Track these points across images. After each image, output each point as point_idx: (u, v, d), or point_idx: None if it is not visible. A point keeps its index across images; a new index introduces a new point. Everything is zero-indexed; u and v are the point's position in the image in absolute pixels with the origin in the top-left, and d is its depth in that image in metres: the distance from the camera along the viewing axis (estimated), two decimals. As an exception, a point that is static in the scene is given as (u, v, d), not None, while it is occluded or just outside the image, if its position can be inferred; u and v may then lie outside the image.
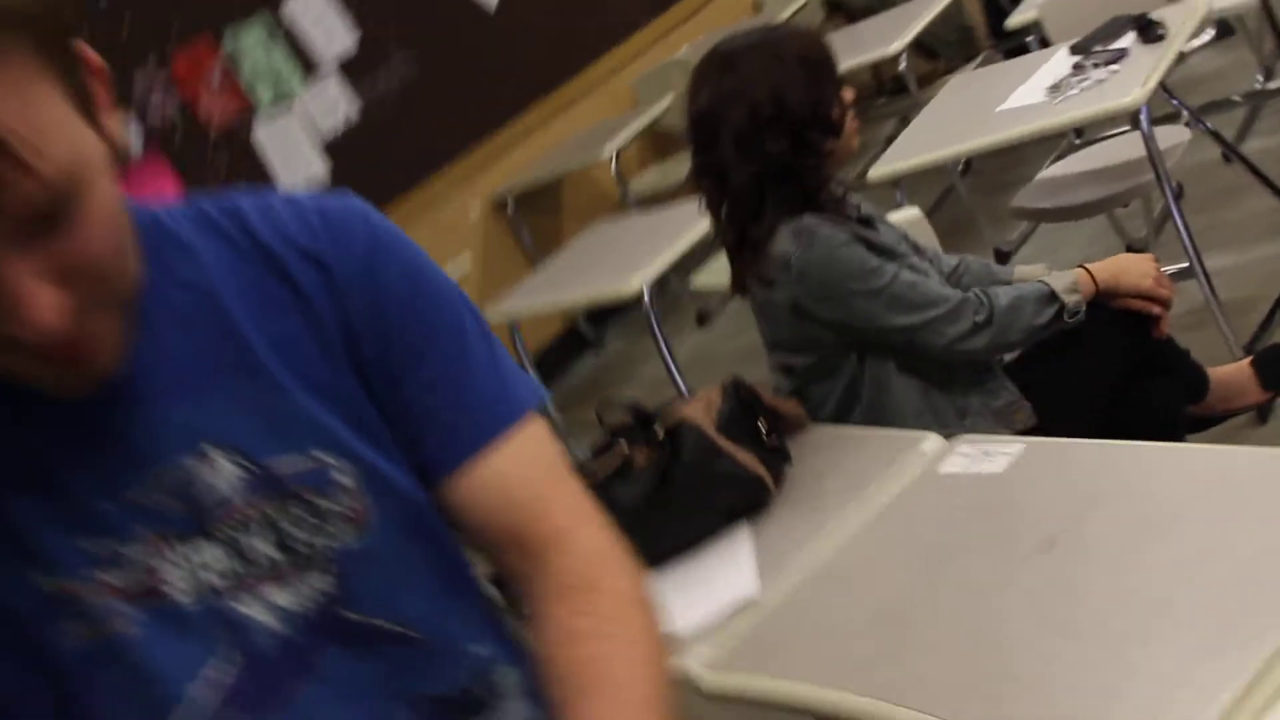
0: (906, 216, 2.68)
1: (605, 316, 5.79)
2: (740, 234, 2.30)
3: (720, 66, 2.24)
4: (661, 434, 2.04)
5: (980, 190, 4.91)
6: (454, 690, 1.07)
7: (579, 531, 1.07)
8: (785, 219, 2.22)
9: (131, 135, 4.69)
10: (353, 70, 5.31)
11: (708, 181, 2.31)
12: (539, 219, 5.79)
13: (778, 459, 2.08)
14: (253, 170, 4.99)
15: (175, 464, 0.94)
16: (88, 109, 0.83)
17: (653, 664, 1.02)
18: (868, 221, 2.33)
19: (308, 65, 5.20)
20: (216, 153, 4.93)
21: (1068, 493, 1.70)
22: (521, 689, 1.11)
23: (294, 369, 0.98)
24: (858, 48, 4.74)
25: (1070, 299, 2.25)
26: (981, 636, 1.50)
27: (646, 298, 3.52)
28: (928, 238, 2.63)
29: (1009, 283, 2.43)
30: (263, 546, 0.98)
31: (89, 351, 0.87)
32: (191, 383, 0.96)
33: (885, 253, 2.24)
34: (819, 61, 2.24)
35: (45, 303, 0.81)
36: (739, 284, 2.37)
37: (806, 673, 1.62)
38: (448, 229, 5.47)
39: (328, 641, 1.00)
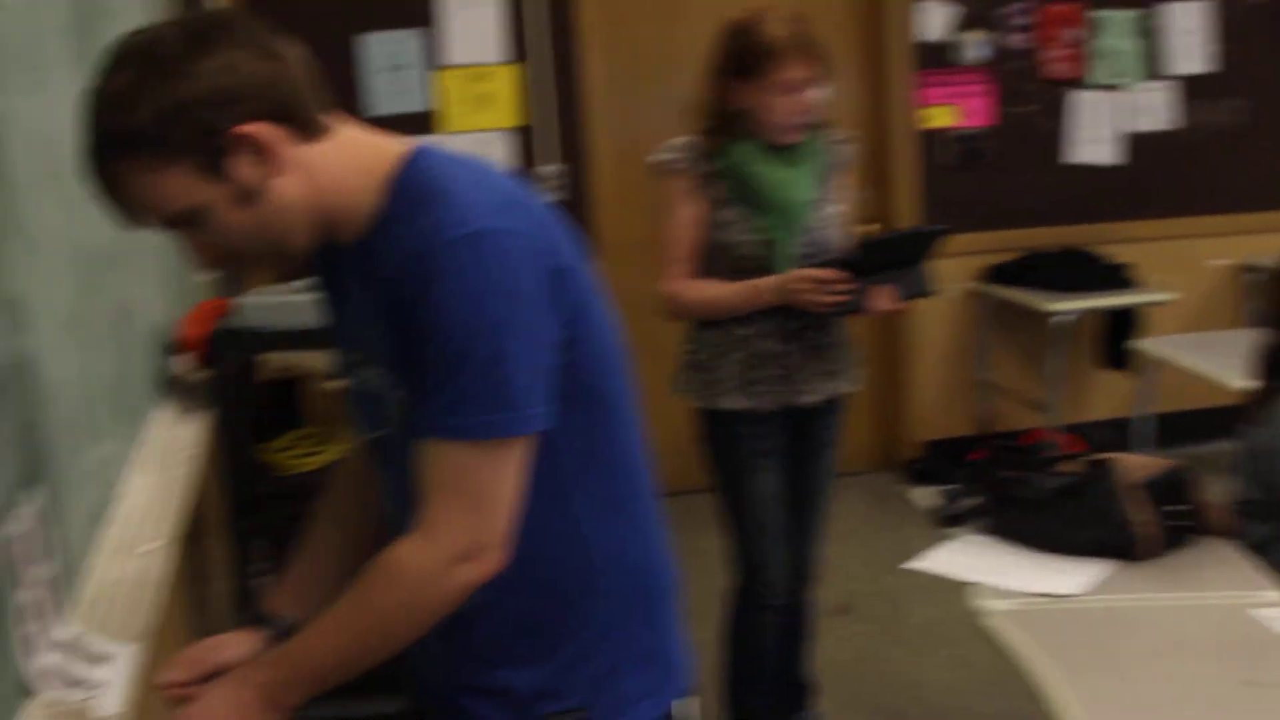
0: None
1: None
2: (1263, 378, 2.74)
3: None
4: (1095, 462, 2.62)
5: None
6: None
7: (411, 537, 1.53)
8: None
9: (983, 46, 5.55)
10: (1188, 90, 5.78)
11: (1261, 328, 2.77)
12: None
13: (1168, 536, 2.57)
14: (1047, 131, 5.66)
15: (364, 327, 1.58)
16: (212, 172, 1.42)
17: (341, 645, 1.57)
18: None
19: (1152, 67, 5.73)
20: (1031, 91, 5.67)
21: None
22: None
23: (388, 317, 1.51)
24: None
25: None
26: None
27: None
28: None
29: None
30: (388, 391, 1.58)
31: (257, 271, 1.61)
32: (362, 293, 1.57)
33: None
34: None
35: (199, 257, 1.51)
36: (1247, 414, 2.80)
37: (1057, 660, 2.20)
38: (1174, 264, 5.77)
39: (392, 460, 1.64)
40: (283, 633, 1.71)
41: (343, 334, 1.67)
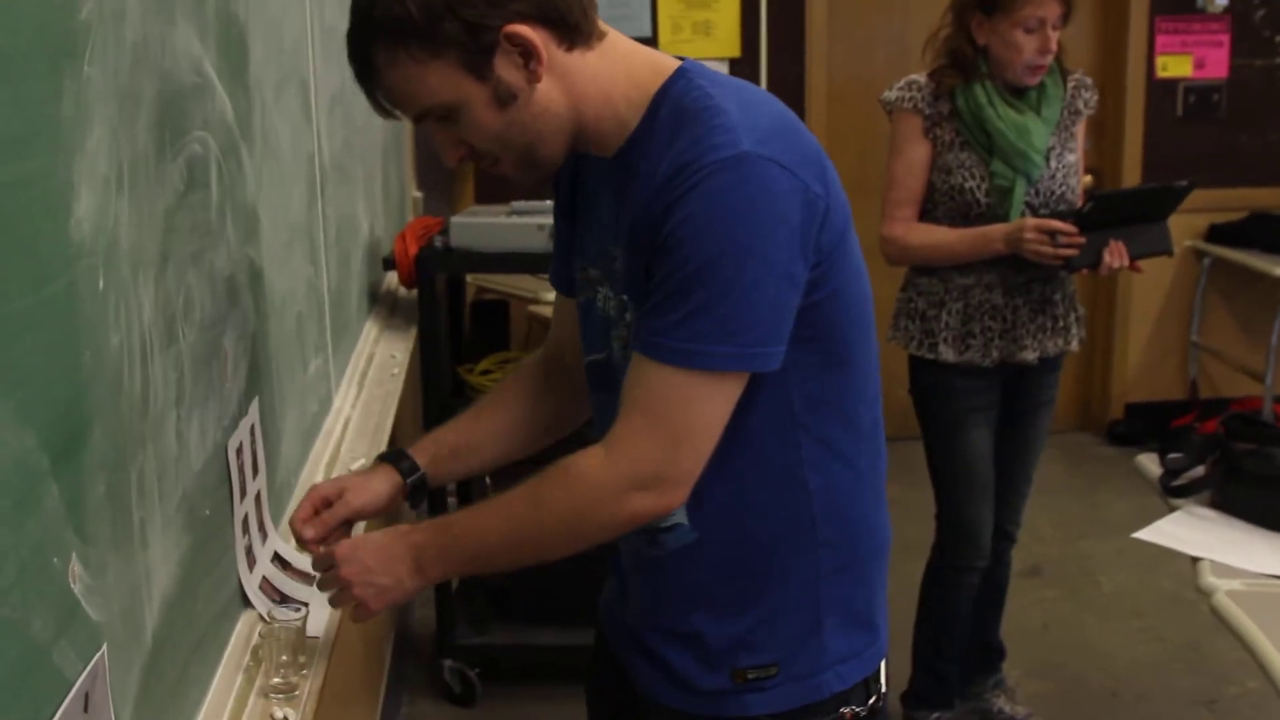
0: None
1: None
2: None
3: None
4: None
5: None
6: None
7: (596, 450, 1.46)
8: None
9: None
10: None
11: None
12: None
13: None
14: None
15: (615, 245, 1.52)
16: (475, 70, 1.39)
17: (502, 530, 1.51)
18: None
19: None
20: (1274, 43, 5.35)
21: None
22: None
23: (631, 237, 1.46)
24: None
25: None
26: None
27: None
28: None
29: None
30: (616, 314, 1.54)
31: (504, 175, 1.52)
32: (613, 210, 1.52)
33: None
34: None
35: (446, 152, 1.47)
36: None
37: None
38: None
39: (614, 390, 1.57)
40: (416, 480, 1.67)
41: (583, 249, 1.62)
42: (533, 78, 1.41)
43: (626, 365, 1.49)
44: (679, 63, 1.50)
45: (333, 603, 1.56)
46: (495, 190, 4.73)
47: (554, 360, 1.77)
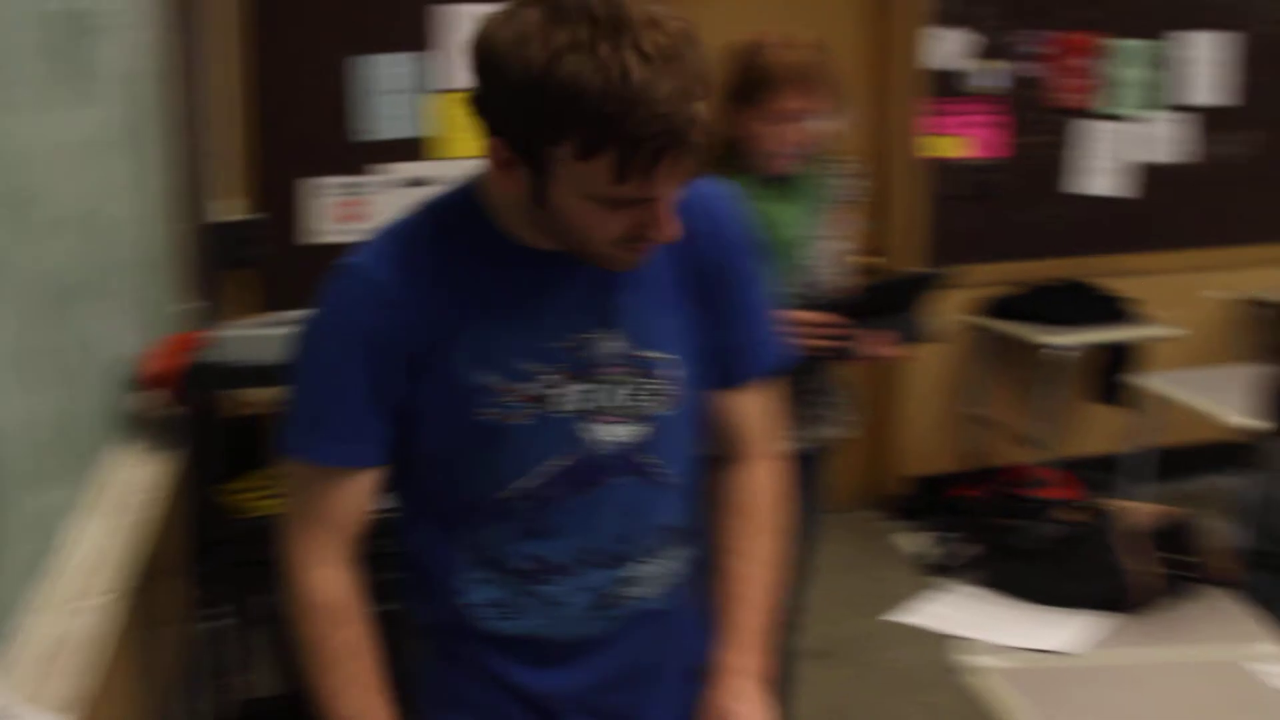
0: None
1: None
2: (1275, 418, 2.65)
3: None
4: (1095, 510, 2.52)
5: None
6: (675, 523, 1.66)
7: (760, 463, 1.66)
8: None
9: (994, 75, 5.46)
10: (1203, 122, 5.70)
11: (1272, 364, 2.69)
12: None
13: (1168, 586, 2.46)
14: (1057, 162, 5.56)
15: (590, 331, 1.53)
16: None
17: (771, 583, 1.67)
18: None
19: (1166, 97, 5.65)
20: (1042, 121, 5.56)
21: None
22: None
23: (663, 293, 1.53)
24: None
25: None
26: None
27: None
28: None
29: None
30: (621, 396, 1.54)
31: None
32: (610, 280, 1.52)
33: None
34: None
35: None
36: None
37: None
38: (1179, 298, 5.67)
39: (625, 469, 1.59)
40: None
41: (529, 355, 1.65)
42: None
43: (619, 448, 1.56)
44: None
45: None
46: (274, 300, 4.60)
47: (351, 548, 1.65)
